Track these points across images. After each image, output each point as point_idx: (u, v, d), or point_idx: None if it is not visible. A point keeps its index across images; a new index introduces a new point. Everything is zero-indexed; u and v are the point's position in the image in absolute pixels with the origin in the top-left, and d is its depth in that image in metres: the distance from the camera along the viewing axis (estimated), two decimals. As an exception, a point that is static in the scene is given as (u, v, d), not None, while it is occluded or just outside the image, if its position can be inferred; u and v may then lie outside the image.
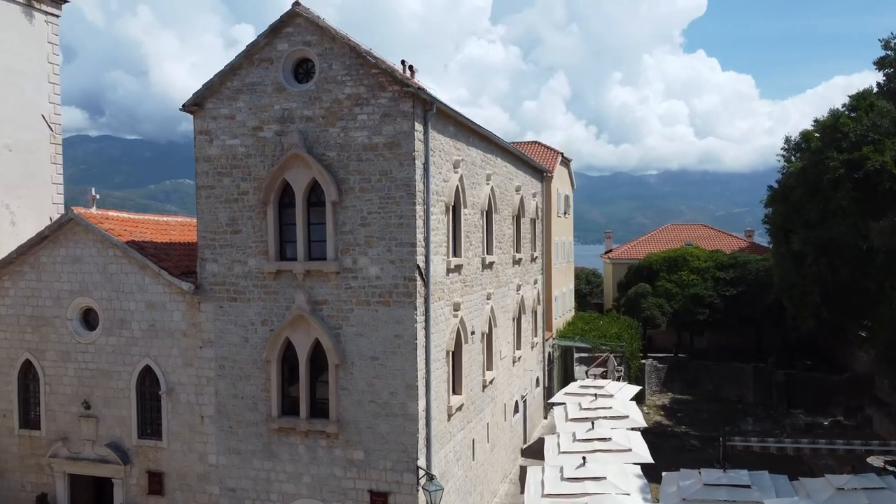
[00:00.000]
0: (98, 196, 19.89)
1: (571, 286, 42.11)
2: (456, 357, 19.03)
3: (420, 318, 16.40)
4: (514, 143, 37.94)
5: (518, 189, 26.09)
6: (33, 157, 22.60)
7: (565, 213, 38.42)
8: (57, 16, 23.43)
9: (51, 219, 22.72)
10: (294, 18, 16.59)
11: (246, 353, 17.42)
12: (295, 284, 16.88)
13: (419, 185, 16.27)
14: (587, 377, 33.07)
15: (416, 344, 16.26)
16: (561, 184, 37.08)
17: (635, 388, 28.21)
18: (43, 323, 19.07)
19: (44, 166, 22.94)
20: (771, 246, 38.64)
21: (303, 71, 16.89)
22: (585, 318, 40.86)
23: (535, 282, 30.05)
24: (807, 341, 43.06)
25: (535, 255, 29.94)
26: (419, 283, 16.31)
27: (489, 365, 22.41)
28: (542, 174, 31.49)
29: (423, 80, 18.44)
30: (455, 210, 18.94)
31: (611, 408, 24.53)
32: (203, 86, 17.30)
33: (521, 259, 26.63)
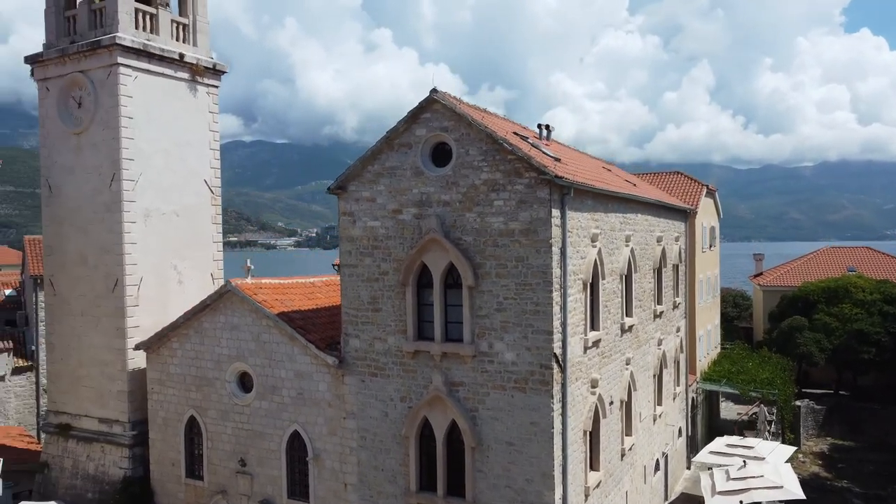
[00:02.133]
0: (252, 266, 21.27)
1: (717, 321, 39.87)
2: (593, 435, 18.58)
3: (557, 406, 16.15)
4: (654, 174, 36.55)
5: (659, 240, 25.04)
6: (196, 219, 24.59)
7: (710, 246, 36.42)
8: (217, 86, 25.29)
9: (212, 275, 24.68)
10: (432, 105, 16.85)
11: (386, 427, 17.98)
12: (432, 365, 17.19)
13: (556, 271, 16.00)
14: (734, 428, 31.21)
15: (553, 432, 16.03)
16: (705, 216, 35.17)
17: (789, 450, 26.20)
18: (205, 383, 20.74)
19: (206, 227, 24.91)
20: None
21: (440, 154, 17.12)
22: (733, 357, 38.46)
23: (678, 330, 28.73)
24: None
25: (678, 301, 28.62)
26: (556, 369, 16.06)
27: (628, 431, 21.71)
28: (685, 214, 30.02)
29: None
30: (593, 284, 18.47)
31: (762, 476, 22.91)
32: (346, 170, 18.02)
33: (662, 311, 25.56)
